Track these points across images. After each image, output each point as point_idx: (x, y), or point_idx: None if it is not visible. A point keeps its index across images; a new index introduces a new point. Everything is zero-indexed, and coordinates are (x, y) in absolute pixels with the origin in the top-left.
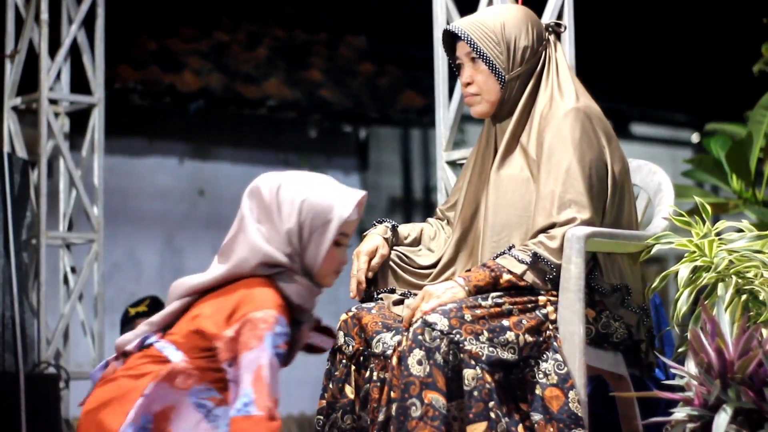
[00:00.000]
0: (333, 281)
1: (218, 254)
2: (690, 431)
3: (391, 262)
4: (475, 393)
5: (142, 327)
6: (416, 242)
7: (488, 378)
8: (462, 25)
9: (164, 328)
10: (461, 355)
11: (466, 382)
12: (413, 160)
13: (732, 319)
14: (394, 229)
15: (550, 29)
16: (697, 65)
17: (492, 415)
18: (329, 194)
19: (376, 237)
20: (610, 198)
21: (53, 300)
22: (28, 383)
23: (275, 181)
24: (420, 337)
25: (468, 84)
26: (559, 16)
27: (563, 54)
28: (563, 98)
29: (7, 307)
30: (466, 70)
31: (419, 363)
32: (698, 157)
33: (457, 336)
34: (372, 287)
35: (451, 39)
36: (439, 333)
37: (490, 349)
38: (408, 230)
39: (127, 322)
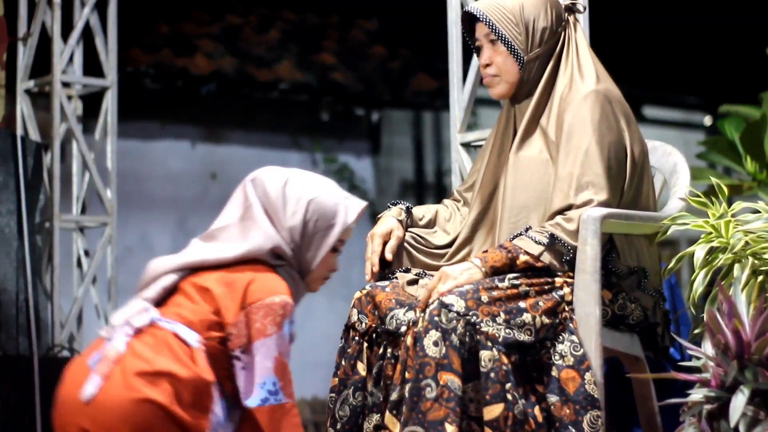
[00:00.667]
0: (319, 288)
1: (208, 237)
2: (707, 412)
3: (405, 244)
4: (492, 375)
5: (141, 302)
6: (431, 224)
7: (505, 360)
8: (481, 6)
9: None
10: (478, 337)
11: (482, 363)
12: (425, 143)
13: (748, 299)
14: (408, 210)
15: (569, 10)
16: (709, 47)
17: (509, 396)
18: (335, 198)
19: (390, 219)
20: (628, 180)
21: (66, 283)
22: (42, 366)
23: (281, 176)
24: (436, 318)
25: (487, 65)
26: None
27: (583, 34)
28: (583, 80)
29: (21, 291)
30: (485, 52)
31: (435, 344)
32: (712, 139)
33: (474, 317)
34: (386, 269)
35: (470, 20)
36: (455, 314)
37: (507, 330)
38: (423, 212)
39: None
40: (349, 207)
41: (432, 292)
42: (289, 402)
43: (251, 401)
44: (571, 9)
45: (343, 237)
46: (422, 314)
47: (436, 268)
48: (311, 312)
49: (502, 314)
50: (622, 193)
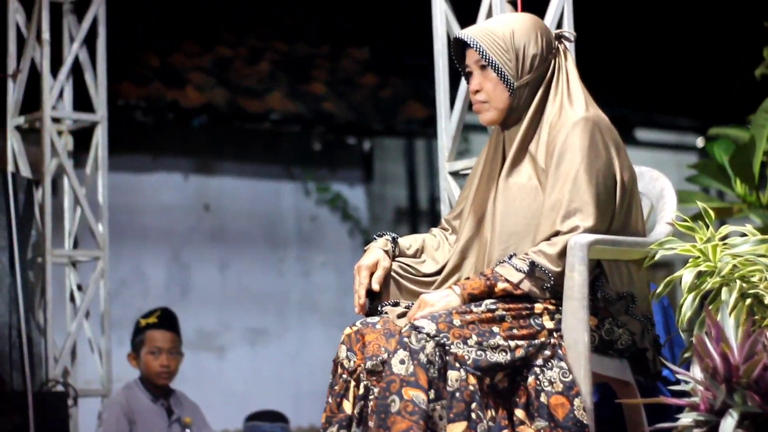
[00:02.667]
0: None
1: None
2: None
3: (393, 274)
4: (457, 394)
5: None
6: (418, 253)
7: (472, 380)
8: (471, 33)
9: None
10: (447, 358)
11: (449, 383)
12: (418, 171)
13: (737, 323)
14: (394, 241)
15: (559, 38)
16: (700, 70)
17: (473, 415)
18: None
19: (376, 251)
20: (618, 206)
21: (60, 318)
22: (36, 402)
23: None
24: (406, 339)
25: (477, 92)
26: (559, 23)
27: (573, 63)
28: (573, 107)
29: (14, 326)
30: (475, 78)
31: (401, 362)
32: (702, 162)
33: (444, 339)
34: (375, 300)
35: (460, 47)
36: (425, 335)
37: (479, 353)
38: (410, 242)
39: (137, 333)
40: None
41: (411, 319)
42: None
43: None
44: (561, 37)
45: None
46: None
47: None
48: (307, 341)
49: (474, 336)
50: (612, 220)
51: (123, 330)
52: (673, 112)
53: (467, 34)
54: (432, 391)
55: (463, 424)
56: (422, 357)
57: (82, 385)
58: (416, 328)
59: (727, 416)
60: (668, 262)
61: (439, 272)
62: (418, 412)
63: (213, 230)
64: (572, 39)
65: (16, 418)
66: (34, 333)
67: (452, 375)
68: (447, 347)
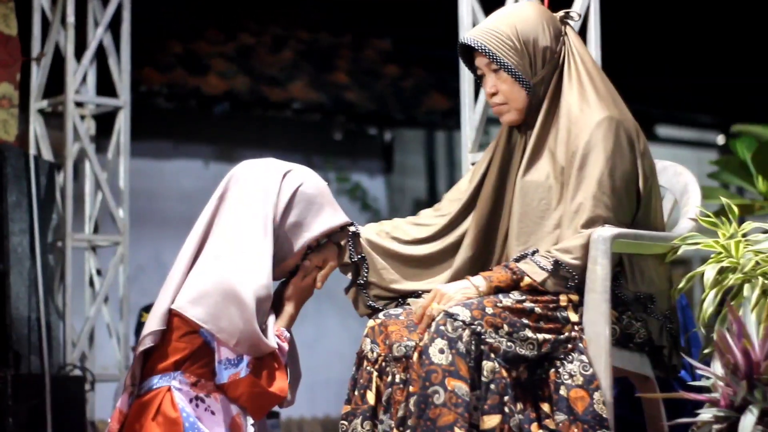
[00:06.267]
0: None
1: None
2: None
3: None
4: (492, 386)
5: None
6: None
7: (504, 373)
8: (476, 35)
9: None
10: (482, 347)
11: (484, 374)
12: (438, 162)
13: (758, 320)
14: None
15: (563, 21)
16: (722, 67)
17: (506, 409)
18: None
19: None
20: (637, 206)
21: (79, 302)
22: (53, 385)
23: None
24: (442, 327)
25: (493, 94)
26: (586, 16)
27: (581, 43)
28: (595, 100)
29: (33, 310)
30: (489, 80)
31: (441, 352)
32: (724, 159)
33: (479, 327)
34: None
35: (467, 50)
36: (461, 323)
37: (509, 344)
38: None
39: (139, 327)
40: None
41: (426, 309)
42: None
43: None
44: (565, 19)
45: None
46: (428, 328)
47: (416, 261)
48: (323, 331)
49: (505, 326)
50: (633, 224)
51: None
52: (694, 109)
53: (473, 38)
54: (470, 379)
55: (498, 417)
56: (461, 346)
57: (99, 370)
58: (451, 315)
59: (747, 412)
60: (686, 259)
61: (433, 237)
62: (462, 404)
63: None
64: (577, 18)
65: (33, 400)
66: (52, 317)
67: (486, 365)
68: (482, 336)
